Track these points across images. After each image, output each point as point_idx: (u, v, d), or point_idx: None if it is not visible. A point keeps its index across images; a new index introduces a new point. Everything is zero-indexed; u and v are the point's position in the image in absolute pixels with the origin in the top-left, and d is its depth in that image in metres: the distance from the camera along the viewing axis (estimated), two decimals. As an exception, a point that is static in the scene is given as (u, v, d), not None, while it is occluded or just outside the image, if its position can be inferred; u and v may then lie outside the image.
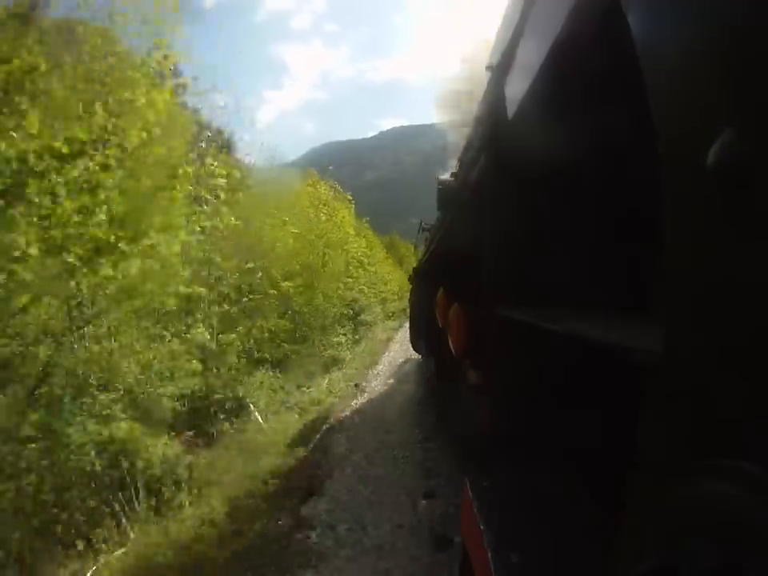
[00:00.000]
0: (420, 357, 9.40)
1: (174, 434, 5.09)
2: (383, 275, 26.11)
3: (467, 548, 1.38)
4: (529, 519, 1.26)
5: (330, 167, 20.31)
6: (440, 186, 2.95)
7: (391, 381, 9.86)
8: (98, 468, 3.93)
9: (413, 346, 10.11)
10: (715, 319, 0.45)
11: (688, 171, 0.47)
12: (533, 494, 1.38)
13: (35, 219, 3.56)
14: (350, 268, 15.30)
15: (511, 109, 1.39)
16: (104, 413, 4.17)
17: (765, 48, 0.38)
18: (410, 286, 10.49)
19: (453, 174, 2.91)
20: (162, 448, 4.46)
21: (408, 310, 11.91)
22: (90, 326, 4.45)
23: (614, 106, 1.12)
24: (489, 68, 1.68)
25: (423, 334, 7.23)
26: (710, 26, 0.44)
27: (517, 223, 1.59)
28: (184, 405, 5.65)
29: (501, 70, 1.54)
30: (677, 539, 0.47)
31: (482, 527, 1.21)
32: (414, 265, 9.74)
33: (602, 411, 1.25)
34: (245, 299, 7.98)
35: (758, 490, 0.37)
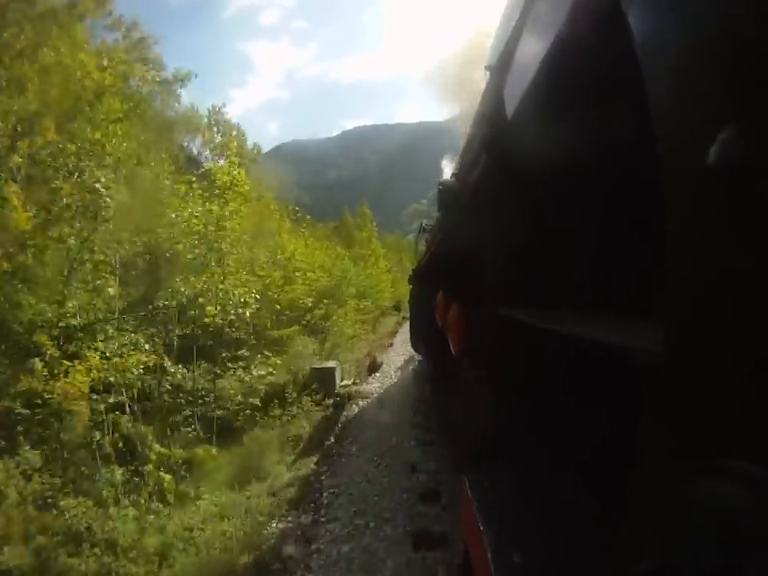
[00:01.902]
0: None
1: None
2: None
3: (467, 547, 1.38)
4: (529, 519, 1.25)
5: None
6: (440, 187, 2.93)
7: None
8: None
9: (413, 348, 10.06)
10: (716, 319, 0.45)
11: (689, 170, 0.47)
12: (533, 493, 1.37)
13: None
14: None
15: (511, 109, 1.38)
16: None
17: (764, 47, 0.38)
18: (410, 287, 10.45)
19: (453, 175, 2.90)
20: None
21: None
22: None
23: (614, 106, 1.11)
24: (488, 68, 1.67)
25: (423, 336, 7.21)
26: (709, 26, 0.44)
27: (518, 223, 1.59)
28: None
29: (500, 69, 1.53)
30: (677, 539, 0.46)
31: (481, 527, 1.20)
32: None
33: (602, 411, 1.25)
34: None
35: (758, 490, 0.37)
